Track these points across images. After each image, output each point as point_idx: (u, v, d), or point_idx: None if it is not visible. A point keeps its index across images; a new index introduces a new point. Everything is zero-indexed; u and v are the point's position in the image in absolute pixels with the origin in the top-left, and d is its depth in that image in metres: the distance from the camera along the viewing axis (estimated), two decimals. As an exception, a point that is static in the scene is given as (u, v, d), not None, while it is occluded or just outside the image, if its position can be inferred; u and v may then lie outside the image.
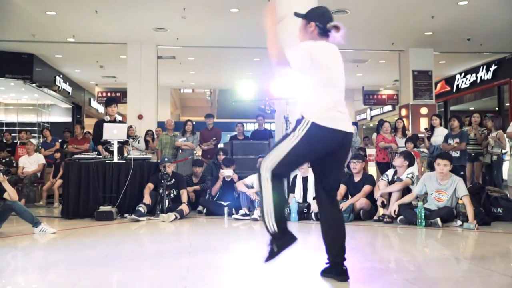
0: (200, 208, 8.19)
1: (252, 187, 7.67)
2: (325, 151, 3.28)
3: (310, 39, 3.38)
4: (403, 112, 14.39)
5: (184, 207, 7.52)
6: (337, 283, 3.24)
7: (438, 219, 6.30)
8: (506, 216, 6.95)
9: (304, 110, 3.24)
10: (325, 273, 3.40)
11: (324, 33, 3.34)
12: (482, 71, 16.55)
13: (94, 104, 22.45)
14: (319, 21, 3.33)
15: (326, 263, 3.38)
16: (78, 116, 20.46)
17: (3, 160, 10.44)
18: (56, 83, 17.14)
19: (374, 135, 10.55)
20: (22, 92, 18.17)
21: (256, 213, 7.22)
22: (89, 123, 19.59)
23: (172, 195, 7.71)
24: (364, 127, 25.09)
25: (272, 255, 3.23)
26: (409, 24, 11.89)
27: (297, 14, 3.48)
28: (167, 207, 7.50)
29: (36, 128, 19.14)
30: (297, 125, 3.22)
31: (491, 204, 7.12)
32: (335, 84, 3.32)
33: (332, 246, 3.37)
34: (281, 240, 3.21)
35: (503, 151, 8.63)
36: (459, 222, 6.36)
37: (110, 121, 8.23)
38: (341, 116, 3.24)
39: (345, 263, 3.32)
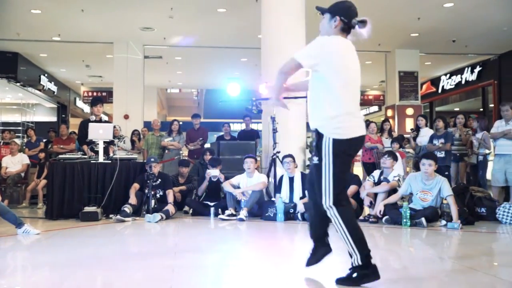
0: (186, 208, 8.19)
1: (239, 187, 7.68)
2: (353, 158, 3.45)
3: (330, 34, 3.26)
4: (389, 112, 14.48)
5: (170, 208, 7.49)
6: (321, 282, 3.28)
7: (423, 219, 6.35)
8: (489, 215, 7.03)
9: (320, 124, 3.18)
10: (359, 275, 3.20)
11: (347, 28, 3.24)
12: (467, 72, 16.70)
13: (79, 103, 22.33)
14: (344, 15, 3.20)
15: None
16: (63, 115, 20.31)
17: None
18: (41, 82, 17.02)
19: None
20: (6, 91, 18.01)
21: (242, 213, 7.24)
22: (74, 123, 19.49)
23: (158, 195, 7.68)
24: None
25: (349, 281, 3.15)
26: (395, 25, 11.95)
27: (319, 8, 3.34)
28: (153, 207, 7.47)
29: (20, 128, 18.86)
30: (318, 142, 3.17)
31: (474, 204, 7.20)
32: (353, 89, 3.24)
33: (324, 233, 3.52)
34: (364, 272, 3.12)
35: (487, 151, 8.70)
36: (444, 222, 6.43)
37: (95, 121, 8.19)
38: (356, 122, 3.22)
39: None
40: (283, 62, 3.25)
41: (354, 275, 3.11)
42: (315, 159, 3.23)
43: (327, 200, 3.13)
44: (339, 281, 3.18)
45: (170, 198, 7.64)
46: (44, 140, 11.81)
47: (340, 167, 3.15)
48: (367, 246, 3.14)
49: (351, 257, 3.14)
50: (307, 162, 8.81)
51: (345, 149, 3.15)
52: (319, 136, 3.17)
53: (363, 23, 3.18)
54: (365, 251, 3.11)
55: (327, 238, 3.55)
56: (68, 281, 3.63)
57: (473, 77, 16.44)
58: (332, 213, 3.13)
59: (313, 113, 3.25)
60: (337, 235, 3.18)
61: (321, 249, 3.54)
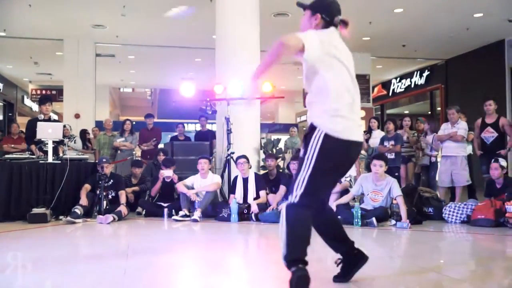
0: (139, 209, 8.07)
1: (192, 188, 7.64)
2: (342, 163, 2.98)
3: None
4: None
5: (123, 209, 7.40)
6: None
7: (374, 219, 6.44)
8: (436, 215, 7.18)
9: (314, 116, 2.89)
10: (346, 270, 3.27)
11: (328, 27, 2.96)
12: (416, 76, 17.07)
13: (27, 102, 21.79)
14: (326, 13, 2.93)
15: (339, 261, 3.25)
16: (10, 114, 19.79)
17: None
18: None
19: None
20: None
21: (196, 214, 7.21)
22: (22, 122, 18.85)
23: (110, 196, 7.57)
24: (304, 128, 25.33)
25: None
26: (348, 28, 12.12)
27: (300, 4, 3.04)
28: (105, 208, 7.36)
29: None
30: (309, 135, 2.86)
31: (422, 204, 7.34)
32: (349, 84, 2.96)
33: (343, 240, 3.27)
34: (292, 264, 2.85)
35: (435, 153, 8.91)
36: (393, 222, 6.54)
37: (44, 120, 8.01)
38: (353, 124, 2.90)
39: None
40: (276, 43, 2.79)
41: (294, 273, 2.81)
42: (301, 153, 2.94)
43: (292, 198, 2.88)
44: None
45: (123, 199, 7.55)
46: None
47: (322, 165, 2.80)
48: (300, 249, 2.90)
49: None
50: (261, 163, 8.84)
51: (333, 148, 2.80)
52: (311, 129, 2.86)
53: (344, 23, 3.00)
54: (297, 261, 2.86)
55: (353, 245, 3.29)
56: (14, 286, 3.54)
57: (421, 81, 16.81)
58: (283, 213, 2.90)
59: (313, 106, 2.95)
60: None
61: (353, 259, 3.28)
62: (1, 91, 18.14)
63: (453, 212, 7.00)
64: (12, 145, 9.99)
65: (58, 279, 3.78)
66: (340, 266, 3.23)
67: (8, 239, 5.78)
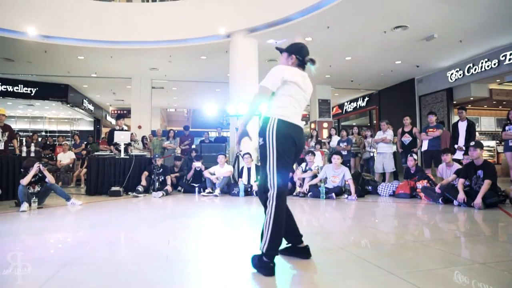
0: (179, 188, 8.12)
1: (214, 174, 7.67)
2: (294, 145, 2.51)
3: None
4: (312, 125, 14.71)
5: (169, 188, 7.45)
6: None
7: (333, 194, 6.50)
8: (373, 191, 7.23)
9: (271, 111, 2.54)
10: (287, 251, 2.71)
11: (302, 64, 2.73)
12: (360, 101, 17.12)
13: (108, 118, 21.85)
14: (299, 54, 2.72)
15: (287, 244, 2.73)
16: (97, 126, 19.88)
17: (47, 155, 10.28)
18: (83, 104, 16.64)
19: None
20: (60, 110, 17.70)
21: (217, 191, 7.25)
22: (105, 131, 19.29)
23: (160, 179, 7.61)
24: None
25: (256, 266, 2.42)
26: (316, 69, 12.15)
27: (278, 49, 2.82)
28: (157, 187, 7.41)
29: (69, 134, 18.76)
30: (264, 125, 2.52)
31: (365, 184, 7.39)
32: (298, 99, 2.58)
33: (293, 230, 2.72)
34: (262, 264, 2.38)
35: (374, 150, 8.96)
36: (346, 196, 6.59)
37: (119, 130, 8.08)
38: (297, 117, 2.57)
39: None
40: (253, 97, 2.53)
41: (258, 258, 2.41)
42: (260, 140, 2.53)
43: (269, 181, 2.45)
44: (253, 258, 2.48)
45: (169, 181, 7.59)
46: (85, 143, 11.57)
47: (282, 150, 2.45)
48: (278, 247, 2.42)
49: (261, 240, 2.44)
50: (259, 158, 8.86)
51: (287, 133, 2.47)
52: (265, 121, 2.54)
53: (312, 61, 2.73)
54: (275, 248, 2.40)
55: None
56: (101, 235, 3.59)
57: (364, 103, 16.86)
58: (271, 193, 2.43)
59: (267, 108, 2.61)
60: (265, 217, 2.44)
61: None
62: (93, 111, 18.21)
63: (384, 189, 7.06)
64: (105, 146, 10.04)
65: (128, 233, 3.83)
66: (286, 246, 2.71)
67: (97, 206, 5.82)
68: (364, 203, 6.08)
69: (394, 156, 8.31)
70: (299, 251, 2.71)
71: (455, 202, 5.44)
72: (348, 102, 18.21)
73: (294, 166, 8.58)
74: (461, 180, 5.47)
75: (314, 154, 7.66)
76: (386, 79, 13.72)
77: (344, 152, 8.81)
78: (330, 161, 7.72)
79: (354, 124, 18.51)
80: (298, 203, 6.28)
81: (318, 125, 14.32)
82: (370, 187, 7.34)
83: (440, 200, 5.74)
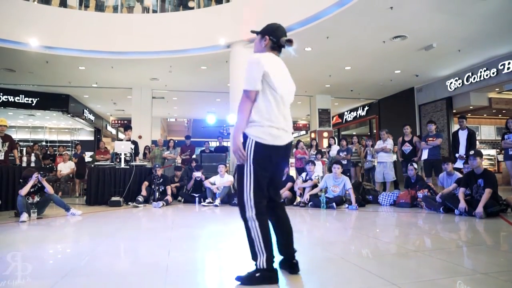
0: (179, 198, 8.10)
1: (214, 184, 7.66)
2: (273, 165, 2.36)
3: (263, 52, 2.45)
4: (313, 135, 14.73)
5: (169, 198, 7.45)
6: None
7: (334, 204, 6.48)
8: (374, 200, 7.22)
9: (248, 128, 2.31)
10: (281, 264, 2.56)
11: (277, 47, 2.46)
12: (360, 110, 17.15)
13: (109, 128, 21.91)
14: (273, 35, 2.44)
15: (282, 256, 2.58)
16: (98, 136, 19.93)
17: (47, 166, 10.27)
18: (84, 114, 16.71)
19: (294, 150, 10.75)
20: (61, 120, 17.76)
21: (217, 201, 7.22)
22: (106, 141, 19.35)
23: (160, 189, 7.60)
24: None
25: (250, 280, 2.30)
26: (316, 79, 12.23)
27: (253, 31, 2.55)
28: (157, 197, 7.39)
29: (70, 144, 18.79)
30: (244, 145, 2.31)
31: (365, 193, 7.37)
32: (279, 99, 2.36)
33: (290, 244, 2.54)
34: (265, 277, 2.29)
35: (374, 159, 8.95)
36: (346, 205, 6.57)
37: (127, 140, 8.12)
38: (279, 132, 2.33)
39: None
40: (240, 104, 2.32)
41: (257, 274, 2.29)
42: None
43: (248, 205, 2.29)
44: (240, 279, 2.35)
45: (169, 191, 7.58)
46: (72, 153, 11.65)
47: (259, 168, 2.29)
48: (273, 252, 2.33)
49: (255, 259, 2.31)
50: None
51: (265, 154, 2.29)
52: (244, 138, 2.32)
53: (289, 42, 2.43)
54: (270, 255, 2.30)
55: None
56: (101, 246, 3.56)
57: (363, 113, 16.90)
58: (251, 218, 2.29)
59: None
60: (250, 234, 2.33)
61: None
62: (93, 121, 18.27)
63: (385, 198, 7.04)
64: (102, 156, 10.03)
65: (127, 242, 3.81)
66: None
67: (97, 217, 5.81)
68: (365, 213, 6.05)
69: (394, 165, 8.30)
70: (290, 266, 2.54)
71: (456, 211, 5.41)
72: (348, 112, 18.25)
73: (295, 176, 8.59)
74: (462, 189, 5.45)
75: (314, 164, 7.65)
76: (386, 88, 13.77)
77: (344, 162, 8.80)
78: (330, 171, 7.71)
79: (354, 133, 18.58)
80: (299, 213, 6.25)
81: (318, 134, 14.33)
82: (370, 197, 7.31)
83: (441, 209, 5.71)
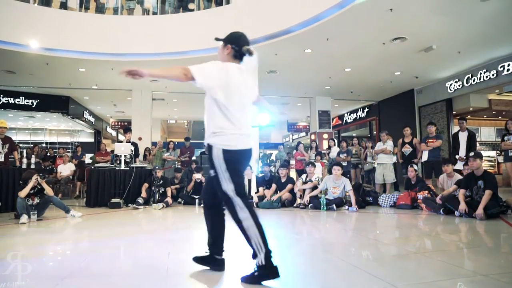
0: (179, 200, 8.08)
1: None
2: (240, 166, 2.48)
3: (225, 60, 2.53)
4: (313, 136, 14.71)
5: (169, 199, 7.43)
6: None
7: (334, 205, 6.48)
8: (374, 202, 7.22)
9: (210, 140, 2.43)
10: (202, 260, 2.69)
11: (239, 55, 2.53)
12: (360, 111, 17.15)
13: (109, 130, 21.90)
14: (235, 44, 2.51)
15: (206, 252, 2.69)
16: (98, 138, 19.91)
17: (47, 168, 10.21)
18: (84, 116, 16.67)
19: (294, 152, 10.75)
20: (61, 121, 17.74)
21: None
22: (106, 142, 19.34)
23: (160, 191, 7.59)
24: (288, 146, 25.42)
25: (252, 279, 2.36)
26: (316, 81, 12.22)
27: (217, 38, 2.61)
28: (157, 199, 7.39)
29: (70, 146, 18.78)
30: (210, 155, 2.44)
31: (365, 195, 7.37)
32: (234, 107, 2.41)
33: (221, 242, 2.70)
34: (268, 270, 2.33)
35: (374, 161, 8.95)
36: (347, 207, 6.57)
37: (127, 142, 8.13)
38: (239, 137, 2.41)
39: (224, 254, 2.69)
40: (177, 66, 2.31)
41: (257, 273, 2.34)
42: (212, 172, 2.46)
43: (230, 193, 2.39)
44: (244, 279, 2.40)
45: (169, 193, 7.58)
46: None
47: (233, 172, 2.39)
48: (269, 247, 2.36)
49: (255, 257, 2.36)
50: (259, 169, 8.84)
51: (234, 158, 2.39)
52: (210, 149, 2.43)
53: (249, 51, 2.52)
54: (268, 251, 2.34)
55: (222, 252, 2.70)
56: (101, 248, 3.56)
57: (363, 114, 16.89)
58: (237, 202, 2.38)
59: (207, 129, 2.47)
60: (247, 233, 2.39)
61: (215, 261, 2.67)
62: (93, 123, 18.26)
63: (385, 200, 7.03)
64: (102, 157, 10.02)
65: (128, 244, 3.80)
66: (204, 254, 2.70)
67: (97, 219, 5.81)
68: (365, 214, 6.04)
69: (394, 167, 8.29)
70: (216, 262, 2.64)
71: (456, 213, 5.41)
72: (348, 113, 18.24)
73: (295, 178, 8.58)
74: (462, 191, 5.45)
75: (314, 166, 7.66)
76: (386, 90, 13.77)
77: (344, 163, 8.80)
78: (330, 172, 7.71)
79: (354, 135, 18.56)
80: (299, 214, 6.25)
81: (318, 136, 14.32)
82: (371, 198, 7.30)
83: (441, 211, 5.71)
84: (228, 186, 2.38)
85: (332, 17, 7.60)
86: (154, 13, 10.69)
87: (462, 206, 5.25)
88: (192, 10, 10.48)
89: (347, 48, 9.25)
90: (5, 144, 6.96)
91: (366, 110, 16.66)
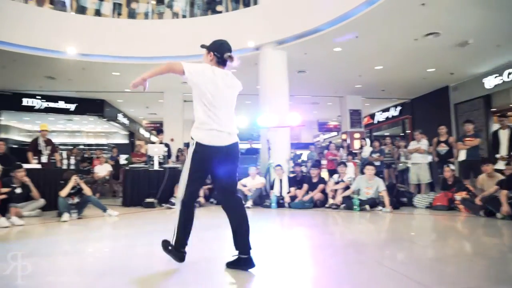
0: (212, 199, 8.16)
1: (246, 186, 7.68)
2: (210, 163, 2.65)
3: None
4: (344, 136, 14.51)
5: (201, 199, 7.51)
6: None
7: (367, 206, 6.37)
8: (408, 203, 7.04)
9: (192, 131, 2.70)
10: (233, 264, 2.73)
11: (221, 61, 2.76)
12: (392, 110, 16.77)
13: (142, 131, 22.48)
14: (217, 51, 2.75)
15: (234, 258, 2.74)
16: (132, 139, 20.46)
17: (85, 168, 10.60)
18: (118, 118, 17.18)
19: (325, 151, 10.65)
20: (97, 124, 18.33)
21: (249, 203, 7.24)
22: (139, 143, 19.81)
23: (193, 191, 7.68)
24: (318, 146, 25.21)
25: (168, 251, 2.79)
26: (346, 79, 12.04)
27: (202, 46, 2.85)
28: (191, 199, 7.49)
29: (106, 147, 19.43)
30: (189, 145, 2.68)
31: (399, 196, 7.20)
32: (216, 106, 2.66)
33: (244, 236, 2.78)
34: (173, 253, 2.75)
35: (408, 161, 8.71)
36: (380, 208, 6.43)
37: (160, 143, 8.30)
38: (218, 134, 2.63)
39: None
40: (174, 62, 2.74)
41: (170, 253, 2.78)
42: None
43: (180, 195, 2.67)
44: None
45: (201, 193, 7.65)
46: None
47: (195, 164, 2.62)
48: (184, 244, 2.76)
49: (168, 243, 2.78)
50: (291, 169, 8.81)
51: (203, 152, 2.60)
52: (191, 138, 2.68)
53: (230, 58, 2.75)
54: (180, 243, 2.74)
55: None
56: (137, 245, 3.66)
57: (396, 113, 16.49)
58: (178, 207, 2.71)
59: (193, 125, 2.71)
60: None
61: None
62: (127, 125, 18.80)
63: (420, 200, 6.86)
64: (137, 158, 10.28)
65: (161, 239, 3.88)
66: (233, 257, 2.75)
67: (133, 217, 5.99)
68: (400, 215, 5.90)
69: (430, 167, 8.04)
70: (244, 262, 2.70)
71: (498, 215, 5.17)
72: (380, 112, 17.87)
73: (326, 177, 8.49)
74: (504, 192, 5.20)
75: (346, 165, 7.55)
76: (419, 88, 13.36)
77: (377, 163, 8.62)
78: (362, 172, 7.57)
79: (386, 134, 18.14)
80: (331, 215, 6.17)
81: (350, 135, 14.10)
82: (405, 199, 7.13)
83: (481, 213, 5.48)
84: (185, 174, 2.65)
85: (362, 14, 7.46)
86: (183, 17, 10.86)
87: (505, 208, 5.02)
88: (220, 12, 10.57)
89: (378, 46, 9.06)
90: (47, 146, 7.29)
91: (399, 108, 16.25)
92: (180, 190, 2.66)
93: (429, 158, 8.17)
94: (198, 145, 2.61)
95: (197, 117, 2.66)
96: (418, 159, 7.95)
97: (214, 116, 2.62)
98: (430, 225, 5.09)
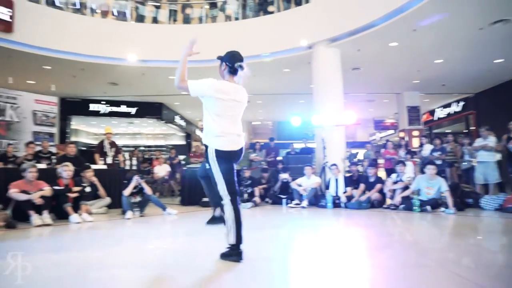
0: (267, 199, 8.24)
1: (301, 186, 7.64)
2: (232, 164, 2.92)
3: (223, 75, 3.09)
4: (401, 134, 13.93)
5: (257, 199, 7.61)
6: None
7: (428, 207, 6.10)
8: (474, 204, 6.63)
9: (205, 140, 2.91)
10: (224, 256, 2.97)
11: (233, 71, 3.01)
12: (454, 105, 15.84)
13: (198, 132, 23.15)
14: (229, 61, 3.02)
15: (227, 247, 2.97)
16: (188, 140, 21.13)
17: (145, 169, 11.13)
18: (175, 120, 17.84)
19: (382, 150, 10.30)
20: (156, 126, 19.20)
21: (304, 203, 7.21)
22: (195, 144, 20.46)
23: (249, 190, 7.80)
24: (374, 145, 24.43)
25: (227, 256, 2.93)
26: (403, 75, 11.59)
27: (218, 57, 3.16)
28: (246, 198, 7.60)
29: (164, 148, 20.22)
30: (206, 153, 2.90)
31: (464, 196, 6.80)
32: (227, 115, 2.90)
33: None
34: (232, 254, 2.91)
35: (473, 159, 8.17)
36: (443, 209, 6.11)
37: None
38: (228, 140, 2.86)
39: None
40: (184, 79, 3.09)
41: (226, 251, 2.93)
42: (207, 165, 2.92)
43: (223, 193, 2.86)
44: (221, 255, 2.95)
45: (257, 193, 7.76)
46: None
47: (225, 168, 2.84)
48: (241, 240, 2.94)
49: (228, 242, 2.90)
50: (347, 168, 8.63)
51: (225, 157, 2.84)
52: (206, 148, 2.90)
53: (241, 67, 2.98)
54: (238, 239, 2.91)
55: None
56: (195, 242, 3.79)
57: (459, 108, 15.54)
58: (226, 202, 2.87)
59: (204, 133, 2.94)
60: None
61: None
62: (184, 127, 19.47)
63: (489, 202, 6.42)
64: (195, 159, 10.60)
65: (217, 238, 3.98)
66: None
67: (190, 216, 6.20)
68: (465, 218, 5.56)
69: (499, 166, 7.48)
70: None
71: None
72: (440, 108, 16.92)
73: (384, 177, 8.20)
74: None
75: (405, 164, 7.25)
76: (484, 81, 12.46)
77: (439, 162, 8.18)
78: (422, 172, 7.23)
79: (447, 131, 17.17)
80: (389, 215, 5.97)
81: (408, 133, 13.52)
82: (470, 200, 6.71)
83: (559, 215, 5.01)
84: (219, 179, 2.86)
85: (419, 6, 7.13)
86: (236, 19, 11.04)
87: None
88: (272, 12, 10.60)
89: (437, 38, 8.59)
90: (112, 148, 7.76)
91: (461, 103, 15.29)
92: (222, 194, 2.87)
93: (498, 156, 7.60)
94: (218, 151, 2.83)
95: (206, 126, 2.92)
96: (485, 157, 7.45)
97: (221, 125, 2.87)
98: (500, 228, 4.74)
